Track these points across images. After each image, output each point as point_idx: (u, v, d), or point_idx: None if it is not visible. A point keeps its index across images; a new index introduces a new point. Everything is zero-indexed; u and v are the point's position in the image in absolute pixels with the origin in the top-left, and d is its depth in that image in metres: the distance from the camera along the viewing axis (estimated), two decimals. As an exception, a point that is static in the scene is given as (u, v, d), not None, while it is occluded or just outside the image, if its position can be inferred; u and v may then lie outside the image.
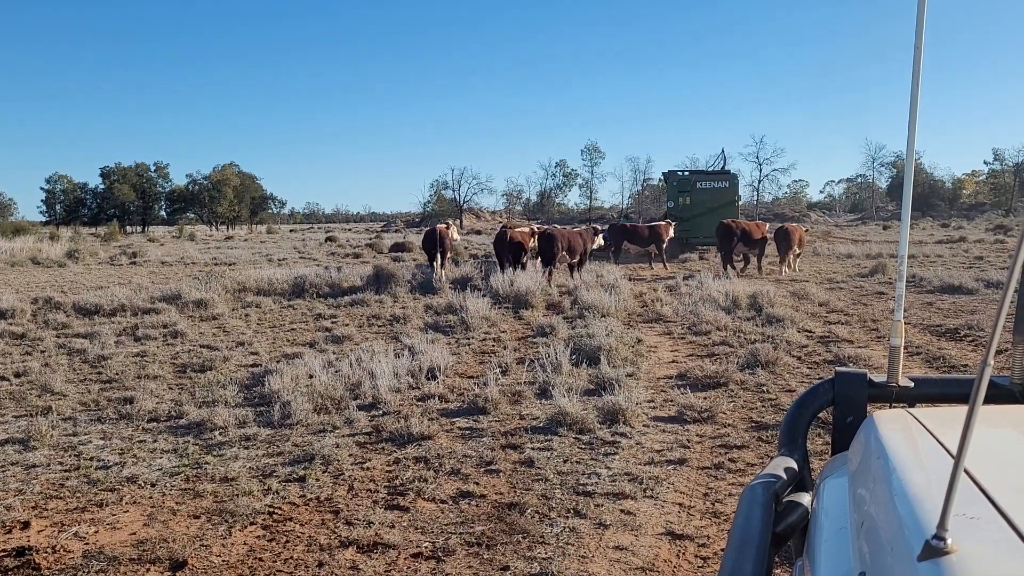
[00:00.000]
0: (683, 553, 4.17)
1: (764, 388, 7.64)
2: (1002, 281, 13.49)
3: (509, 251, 17.99)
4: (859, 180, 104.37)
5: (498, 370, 8.41)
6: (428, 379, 8.06)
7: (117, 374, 8.56)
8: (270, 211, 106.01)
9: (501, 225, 24.33)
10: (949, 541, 0.75)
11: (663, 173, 34.35)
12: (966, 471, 1.03)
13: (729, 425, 6.48)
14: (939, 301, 13.97)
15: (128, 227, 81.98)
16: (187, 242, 46.40)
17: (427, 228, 22.24)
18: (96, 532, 4.50)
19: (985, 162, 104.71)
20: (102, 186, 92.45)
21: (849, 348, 9.50)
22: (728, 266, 20.52)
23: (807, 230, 25.02)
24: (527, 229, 19.60)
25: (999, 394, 1.81)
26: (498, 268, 17.99)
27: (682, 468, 5.48)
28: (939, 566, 0.74)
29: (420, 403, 7.23)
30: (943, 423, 1.38)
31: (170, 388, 7.98)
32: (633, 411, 6.61)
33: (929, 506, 0.89)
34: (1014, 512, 0.85)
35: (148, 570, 4.01)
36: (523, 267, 17.60)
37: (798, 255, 21.75)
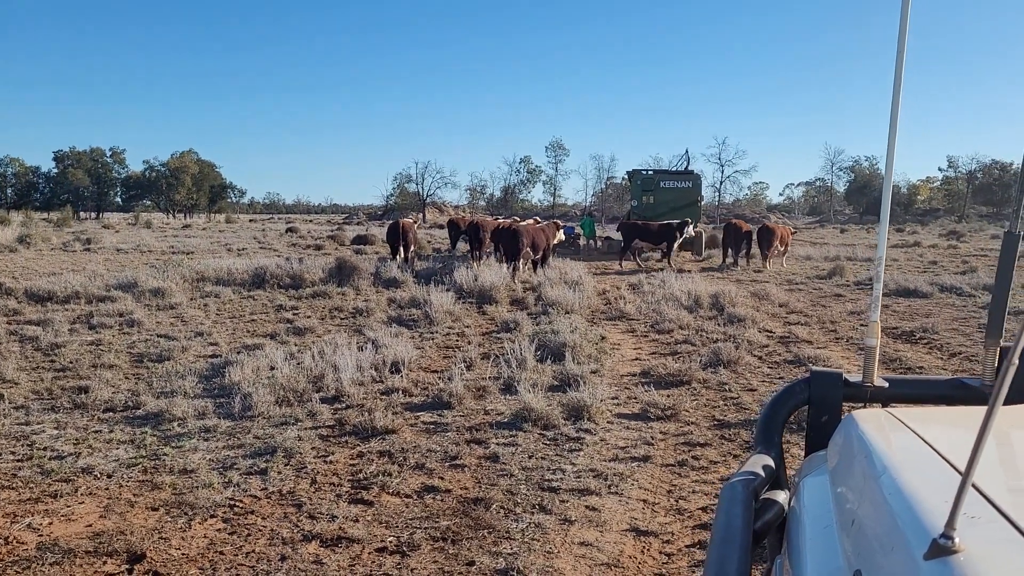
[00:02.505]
0: (648, 549, 4.20)
1: (726, 387, 7.73)
2: (956, 285, 13.70)
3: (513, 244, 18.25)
4: (818, 184, 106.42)
5: (462, 365, 8.38)
6: (392, 373, 8.00)
7: (71, 362, 8.35)
8: (229, 200, 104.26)
9: (468, 220, 24.18)
10: (957, 540, 0.75)
11: (627, 172, 34.60)
12: (957, 471, 1.04)
13: (692, 423, 6.55)
14: (895, 304, 14.27)
15: (82, 213, 79.95)
16: (143, 229, 45.43)
17: (390, 221, 22.16)
18: (50, 523, 4.38)
19: (940, 169, 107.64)
20: (55, 170, 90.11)
21: (809, 348, 9.66)
22: (736, 261, 23.29)
23: (794, 231, 27.36)
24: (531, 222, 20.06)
25: (970, 395, 1.84)
26: (464, 262, 17.98)
27: (646, 465, 5.51)
28: (948, 565, 0.74)
29: (384, 397, 7.17)
30: (923, 422, 1.39)
31: (127, 378, 7.81)
32: (598, 408, 6.64)
33: (927, 505, 0.90)
34: (1014, 511, 0.86)
35: (105, 563, 3.92)
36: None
37: (782, 252, 23.84)
